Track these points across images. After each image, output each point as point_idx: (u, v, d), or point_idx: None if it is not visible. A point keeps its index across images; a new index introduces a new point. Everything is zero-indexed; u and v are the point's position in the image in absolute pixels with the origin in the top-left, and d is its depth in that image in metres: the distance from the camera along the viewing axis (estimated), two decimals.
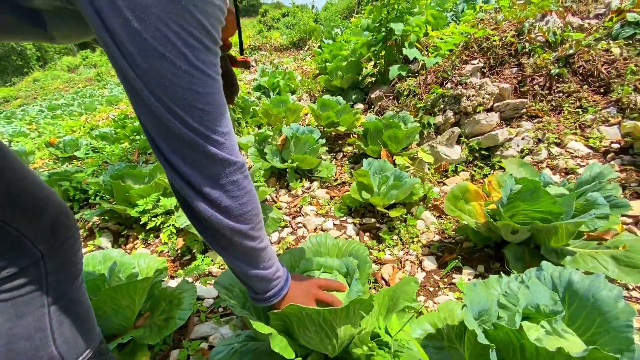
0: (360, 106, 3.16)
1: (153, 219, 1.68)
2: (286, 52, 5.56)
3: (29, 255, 0.58)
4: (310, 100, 3.57)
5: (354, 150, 2.49)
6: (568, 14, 2.81)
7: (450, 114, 2.24)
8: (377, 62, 3.16)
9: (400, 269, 1.35)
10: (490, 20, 3.06)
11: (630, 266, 1.00)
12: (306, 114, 3.18)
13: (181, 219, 1.44)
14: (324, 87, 3.54)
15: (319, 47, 5.28)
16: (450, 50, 2.74)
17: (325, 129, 2.60)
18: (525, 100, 2.15)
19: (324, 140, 2.17)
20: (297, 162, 2.04)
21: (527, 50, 2.35)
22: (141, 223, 1.68)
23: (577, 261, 1.08)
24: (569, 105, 2.04)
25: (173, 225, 1.54)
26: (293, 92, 3.71)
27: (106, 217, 1.87)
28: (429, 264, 1.34)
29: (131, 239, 1.80)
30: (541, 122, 2.04)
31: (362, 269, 0.95)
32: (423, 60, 2.75)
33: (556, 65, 2.18)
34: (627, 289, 1.11)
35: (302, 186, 2.06)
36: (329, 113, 2.43)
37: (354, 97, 3.22)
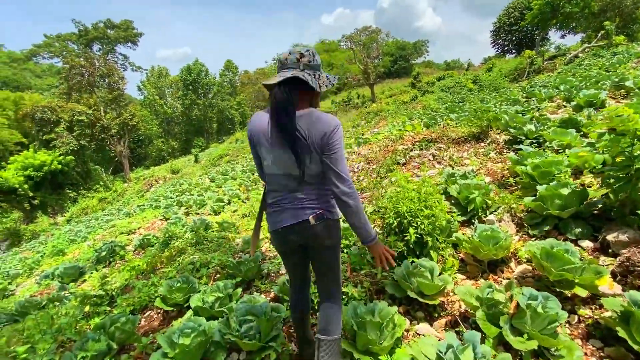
0: (587, 244, 2.72)
1: None
2: (465, 145, 5.50)
3: None
4: (512, 220, 3.33)
5: (595, 317, 2.12)
6: None
7: None
8: (614, 195, 2.70)
9: None
10: None
11: None
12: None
13: None
14: (529, 208, 3.25)
15: (513, 144, 4.97)
16: None
17: (553, 286, 2.33)
18: None
19: (565, 314, 1.94)
20: (536, 339, 1.88)
21: None
22: None
23: None
24: None
25: None
26: (488, 208, 3.56)
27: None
28: None
29: None
30: None
31: None
32: None
33: None
34: None
35: None
36: (562, 272, 2.18)
37: (577, 230, 2.82)
